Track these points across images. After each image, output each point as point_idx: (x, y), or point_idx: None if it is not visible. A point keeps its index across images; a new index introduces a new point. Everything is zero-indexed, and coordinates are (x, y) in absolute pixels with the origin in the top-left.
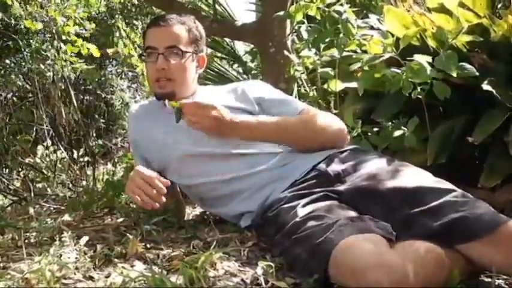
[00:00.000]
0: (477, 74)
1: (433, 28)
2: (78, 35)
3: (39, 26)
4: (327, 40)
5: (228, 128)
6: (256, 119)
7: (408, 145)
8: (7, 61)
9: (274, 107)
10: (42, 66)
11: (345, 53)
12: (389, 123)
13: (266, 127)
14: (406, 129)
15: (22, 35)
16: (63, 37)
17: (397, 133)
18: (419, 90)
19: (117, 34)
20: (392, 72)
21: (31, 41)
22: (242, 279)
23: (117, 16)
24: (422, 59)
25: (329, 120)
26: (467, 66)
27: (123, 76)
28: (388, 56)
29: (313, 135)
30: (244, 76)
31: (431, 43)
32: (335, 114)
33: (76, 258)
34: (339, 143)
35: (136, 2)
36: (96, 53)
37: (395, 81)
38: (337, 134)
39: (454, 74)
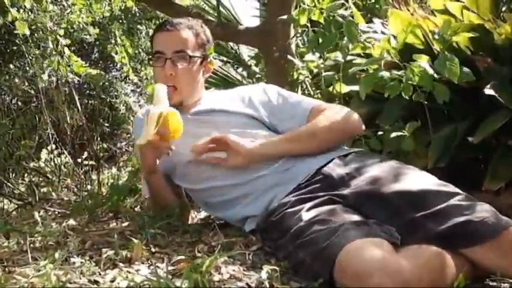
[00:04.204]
0: (474, 78)
1: None
2: (82, 41)
3: (27, 31)
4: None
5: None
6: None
7: (408, 148)
8: (11, 66)
9: (281, 111)
10: (46, 72)
11: (349, 57)
12: (390, 127)
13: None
14: (405, 132)
15: (24, 40)
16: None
17: (394, 134)
18: (420, 93)
19: (113, 41)
20: (393, 75)
21: (41, 44)
22: (247, 283)
23: (115, 24)
24: (423, 61)
25: (336, 117)
26: (466, 69)
27: (127, 80)
28: (390, 59)
29: (321, 140)
30: (249, 80)
31: (435, 46)
32: None
33: (81, 262)
34: (352, 133)
35: (140, 7)
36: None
37: (395, 85)
38: (348, 128)
39: (454, 76)
